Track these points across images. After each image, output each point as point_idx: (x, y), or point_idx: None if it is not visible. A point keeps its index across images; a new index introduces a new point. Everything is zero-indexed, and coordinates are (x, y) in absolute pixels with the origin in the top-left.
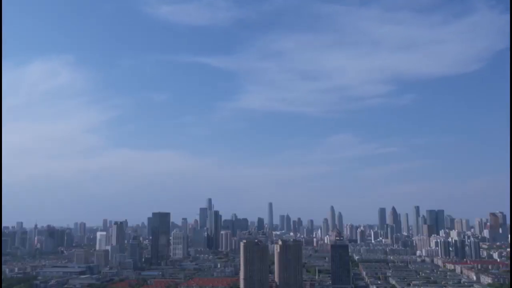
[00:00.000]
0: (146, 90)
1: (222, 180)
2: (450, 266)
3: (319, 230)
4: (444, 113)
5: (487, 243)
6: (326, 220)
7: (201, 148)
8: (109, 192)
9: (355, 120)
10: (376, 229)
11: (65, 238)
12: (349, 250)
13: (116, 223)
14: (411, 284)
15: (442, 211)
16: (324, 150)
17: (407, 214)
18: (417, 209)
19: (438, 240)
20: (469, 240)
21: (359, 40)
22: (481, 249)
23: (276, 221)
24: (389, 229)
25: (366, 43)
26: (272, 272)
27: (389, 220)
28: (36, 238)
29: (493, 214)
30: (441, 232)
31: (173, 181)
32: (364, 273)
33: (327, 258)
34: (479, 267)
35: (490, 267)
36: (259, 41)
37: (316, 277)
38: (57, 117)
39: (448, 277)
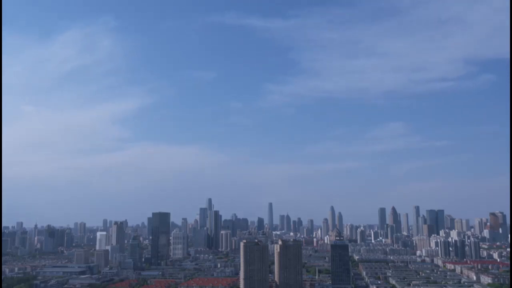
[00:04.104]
0: (189, 67)
1: (229, 179)
2: (450, 266)
3: (319, 230)
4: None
5: (487, 243)
6: (326, 220)
7: (232, 141)
8: (112, 191)
9: (414, 107)
10: (376, 229)
11: (65, 238)
12: (349, 250)
13: (116, 223)
14: (411, 284)
15: (442, 211)
16: (363, 143)
17: (407, 214)
18: (417, 209)
19: (438, 240)
20: (469, 240)
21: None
22: (481, 249)
23: (276, 221)
24: (389, 229)
25: (455, 9)
26: (272, 272)
27: (389, 220)
28: (36, 238)
29: (493, 214)
30: (441, 232)
31: (180, 181)
32: (364, 273)
33: (327, 258)
34: (479, 267)
35: (490, 267)
36: (322, 4)
37: (316, 277)
38: (85, 104)
39: (448, 277)
